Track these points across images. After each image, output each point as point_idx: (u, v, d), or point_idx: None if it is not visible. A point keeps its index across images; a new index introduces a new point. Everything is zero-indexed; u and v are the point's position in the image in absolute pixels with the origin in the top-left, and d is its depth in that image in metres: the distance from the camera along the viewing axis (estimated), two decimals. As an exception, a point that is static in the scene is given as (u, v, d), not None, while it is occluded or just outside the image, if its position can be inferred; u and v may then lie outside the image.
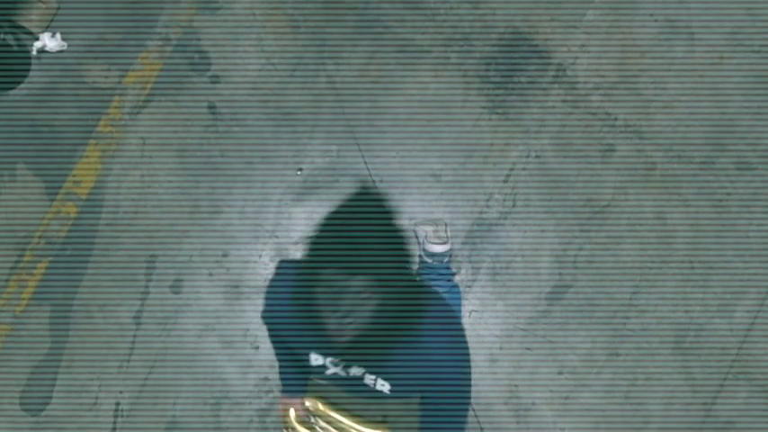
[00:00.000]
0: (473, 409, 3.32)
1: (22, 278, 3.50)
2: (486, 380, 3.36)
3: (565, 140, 3.64)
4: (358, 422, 2.50)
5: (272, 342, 2.43)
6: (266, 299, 2.19)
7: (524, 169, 3.60)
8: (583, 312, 3.45)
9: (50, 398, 3.37)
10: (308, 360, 2.11)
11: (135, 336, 3.42)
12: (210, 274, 3.49)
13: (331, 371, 2.11)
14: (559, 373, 3.38)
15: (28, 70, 3.79)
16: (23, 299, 3.48)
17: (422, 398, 2.13)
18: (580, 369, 3.39)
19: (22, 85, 3.77)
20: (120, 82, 3.75)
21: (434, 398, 2.11)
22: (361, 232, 1.66)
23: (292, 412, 2.53)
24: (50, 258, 3.52)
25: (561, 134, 3.65)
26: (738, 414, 3.35)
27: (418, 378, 2.01)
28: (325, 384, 2.31)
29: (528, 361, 3.40)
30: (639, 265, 3.50)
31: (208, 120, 3.69)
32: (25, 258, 3.52)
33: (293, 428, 2.55)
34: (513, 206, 3.56)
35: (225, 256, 3.51)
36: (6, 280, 3.50)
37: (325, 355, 2.08)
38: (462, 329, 2.07)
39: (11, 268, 3.51)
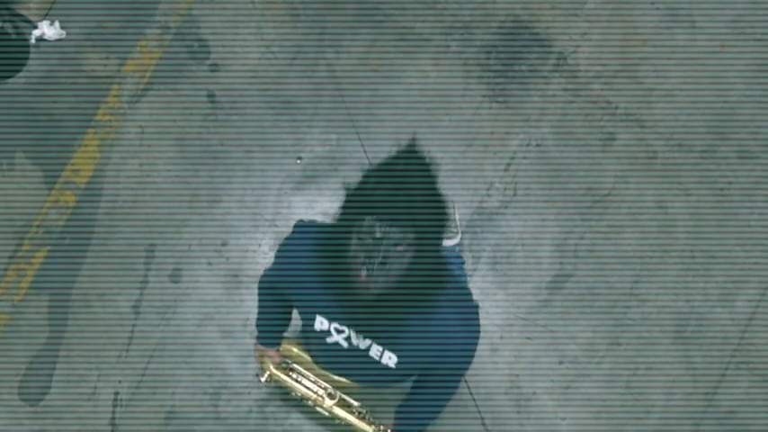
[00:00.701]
0: (473, 399, 3.21)
1: (21, 267, 3.38)
2: (486, 369, 3.25)
3: (566, 129, 3.53)
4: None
5: (263, 297, 2.42)
6: (279, 257, 2.15)
7: (525, 158, 3.49)
8: (584, 302, 3.34)
9: (49, 387, 3.26)
10: (312, 323, 2.07)
11: (134, 325, 3.30)
12: (210, 264, 3.37)
13: (333, 339, 2.08)
14: (560, 362, 3.27)
15: (26, 59, 3.67)
16: (22, 288, 3.36)
17: (420, 374, 2.16)
18: (581, 358, 3.28)
19: (20, 74, 3.66)
20: (118, 70, 3.64)
21: (434, 374, 2.14)
22: (405, 186, 1.67)
23: (269, 361, 2.54)
24: (49, 247, 3.40)
25: (562, 123, 3.54)
26: (740, 403, 3.25)
27: (427, 353, 2.00)
28: (320, 353, 2.32)
29: (529, 350, 3.29)
30: (640, 254, 3.39)
31: (207, 108, 3.57)
32: (24, 247, 3.41)
33: (270, 373, 2.55)
34: (514, 195, 3.45)
35: (224, 245, 3.40)
36: (5, 269, 3.38)
37: (332, 320, 2.04)
38: (477, 311, 2.05)
39: (9, 257, 3.40)
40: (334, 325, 2.05)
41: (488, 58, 3.62)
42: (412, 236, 1.69)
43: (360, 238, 1.71)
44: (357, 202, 1.73)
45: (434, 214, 1.74)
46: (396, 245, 1.69)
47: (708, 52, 3.63)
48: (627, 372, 3.27)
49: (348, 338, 2.06)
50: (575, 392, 3.25)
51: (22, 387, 3.26)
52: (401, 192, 1.67)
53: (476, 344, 2.08)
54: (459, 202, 3.41)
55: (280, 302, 2.38)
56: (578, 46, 3.64)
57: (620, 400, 3.24)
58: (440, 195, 1.76)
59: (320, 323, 2.06)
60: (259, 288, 2.43)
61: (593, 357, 3.28)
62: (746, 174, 3.48)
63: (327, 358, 2.35)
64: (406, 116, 3.53)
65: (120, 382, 3.25)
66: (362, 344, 2.05)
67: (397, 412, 2.42)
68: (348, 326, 2.03)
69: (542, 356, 3.28)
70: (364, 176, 1.76)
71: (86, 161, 3.51)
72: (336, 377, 2.46)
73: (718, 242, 3.40)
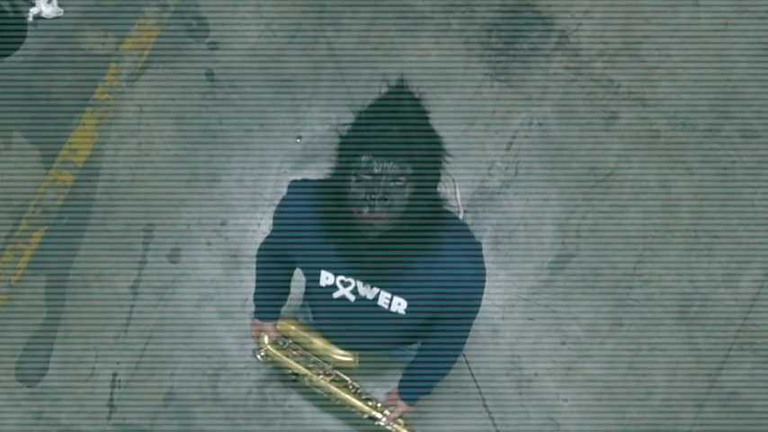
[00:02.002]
0: (475, 380, 3.01)
1: (18, 247, 3.17)
2: (488, 350, 3.05)
3: (568, 108, 3.31)
4: (328, 344, 2.37)
5: (261, 267, 2.30)
6: (279, 218, 2.02)
7: (527, 137, 3.27)
8: (586, 282, 3.13)
9: (46, 369, 3.05)
10: (317, 280, 1.97)
11: (132, 306, 3.09)
12: (209, 244, 3.16)
13: (339, 293, 1.98)
14: (562, 343, 3.06)
15: (24, 37, 3.45)
16: (19, 268, 3.14)
17: (431, 319, 2.05)
18: (583, 339, 3.07)
19: (17, 52, 3.43)
20: (117, 49, 3.41)
21: (445, 319, 2.05)
22: (399, 121, 1.63)
23: (266, 337, 2.42)
24: (46, 227, 3.18)
25: (564, 101, 3.32)
26: (743, 385, 3.04)
27: (436, 294, 1.91)
28: (327, 313, 2.22)
29: (530, 331, 3.08)
30: (643, 234, 3.18)
31: (206, 87, 3.34)
32: (21, 227, 3.19)
33: (266, 351, 2.43)
34: (516, 174, 3.23)
35: (223, 224, 3.18)
36: (2, 249, 3.17)
37: (337, 273, 1.94)
38: (480, 249, 1.93)
39: (6, 237, 3.18)
40: (340, 278, 1.95)
41: (490, 37, 3.39)
42: (410, 169, 1.65)
43: (358, 178, 1.67)
44: (352, 143, 1.68)
45: (430, 146, 1.69)
46: (395, 179, 1.65)
47: (711, 30, 3.40)
48: (629, 353, 3.06)
49: (355, 290, 1.96)
50: (577, 373, 3.04)
51: (20, 368, 3.05)
52: (395, 126, 1.63)
53: (483, 281, 1.97)
54: (461, 182, 3.19)
55: (278, 272, 2.28)
56: (580, 24, 3.41)
57: (623, 381, 3.04)
58: (433, 128, 1.71)
59: (325, 278, 1.96)
60: (258, 258, 2.30)
61: (595, 338, 3.07)
62: (750, 153, 3.26)
63: (334, 317, 2.20)
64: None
65: (118, 363, 3.04)
66: (370, 293, 1.95)
67: (405, 371, 2.31)
68: (354, 276, 1.93)
69: (544, 337, 3.08)
70: (356, 116, 1.70)
71: (84, 140, 3.28)
72: (335, 355, 2.37)
73: (721, 222, 3.19)
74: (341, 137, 1.73)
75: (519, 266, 3.13)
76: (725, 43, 3.39)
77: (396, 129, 1.63)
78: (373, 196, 1.65)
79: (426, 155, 1.67)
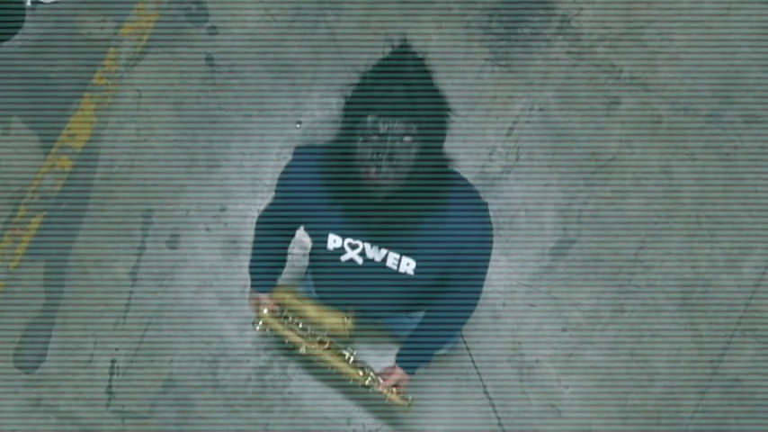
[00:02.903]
0: (475, 367, 2.87)
1: (17, 233, 3.02)
2: (489, 337, 2.91)
3: (569, 93, 3.16)
4: (321, 311, 2.28)
5: (261, 236, 2.23)
6: (284, 184, 1.94)
7: (528, 122, 3.12)
8: (587, 268, 2.98)
9: (45, 355, 2.91)
10: (324, 244, 1.92)
11: (131, 292, 2.95)
12: (208, 229, 3.01)
13: (347, 256, 1.93)
14: (563, 329, 2.92)
15: (22, 21, 3.29)
16: (17, 254, 3.00)
17: (439, 280, 2.00)
18: (584, 326, 2.93)
19: (16, 37, 3.28)
20: (115, 33, 3.25)
21: (455, 276, 1.98)
22: (403, 80, 1.59)
23: (265, 309, 2.35)
24: (45, 213, 3.04)
25: (565, 86, 3.17)
26: (745, 371, 2.90)
27: (444, 252, 1.86)
28: (334, 278, 2.16)
29: (531, 318, 2.94)
30: (645, 219, 3.03)
31: (205, 72, 3.19)
32: (19, 213, 3.04)
33: (265, 322, 2.36)
34: (517, 160, 3.08)
35: (223, 210, 3.03)
36: (0, 235, 3.01)
37: (345, 236, 1.89)
38: (487, 207, 1.89)
39: (5, 223, 3.03)
40: (348, 240, 1.90)
41: (491, 21, 3.24)
42: (415, 127, 1.61)
43: (365, 138, 1.63)
44: (357, 104, 1.63)
45: (435, 104, 1.65)
46: (401, 138, 1.61)
47: (714, 15, 3.25)
48: (631, 339, 2.92)
49: (363, 253, 1.91)
50: (578, 360, 2.90)
51: (18, 355, 2.91)
52: (399, 85, 1.58)
53: (491, 239, 1.93)
54: (461, 167, 3.02)
55: (277, 242, 2.22)
56: (582, 8, 3.26)
57: (625, 367, 2.90)
58: (437, 88, 1.67)
59: (333, 241, 1.91)
60: (258, 227, 2.23)
61: (596, 324, 2.93)
62: (753, 138, 3.11)
63: (342, 282, 2.13)
64: (408, 79, 3.14)
65: (116, 349, 2.90)
66: (378, 255, 1.90)
67: (406, 339, 2.24)
68: (362, 238, 1.89)
69: (545, 324, 2.93)
70: (360, 78, 1.65)
71: (83, 125, 3.13)
72: (328, 322, 2.29)
73: (723, 208, 3.04)
74: (345, 98, 1.68)
75: (520, 252, 2.99)
76: (727, 28, 3.23)
77: (400, 88, 1.58)
78: (380, 156, 1.62)
79: (431, 114, 1.63)
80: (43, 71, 3.20)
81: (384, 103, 1.59)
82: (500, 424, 2.83)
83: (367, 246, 1.89)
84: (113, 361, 2.89)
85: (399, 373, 2.24)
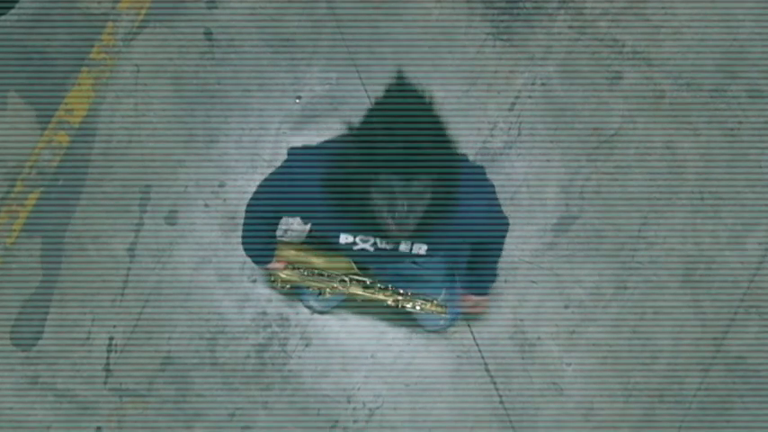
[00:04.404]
0: (477, 344, 2.66)
1: (13, 209, 2.79)
2: (490, 314, 2.69)
3: (571, 68, 2.92)
4: (329, 259, 2.26)
5: (255, 220, 2.09)
6: (283, 185, 1.83)
7: (530, 97, 2.88)
8: (590, 244, 2.76)
9: (42, 332, 2.69)
10: (336, 240, 1.89)
11: (129, 269, 2.72)
12: (206, 205, 2.78)
13: (359, 246, 1.90)
14: (565, 306, 2.70)
15: (19, -5, 3.02)
16: (14, 230, 2.77)
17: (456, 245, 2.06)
18: (587, 303, 2.71)
19: (12, 11, 3.01)
20: (113, 7, 2.99)
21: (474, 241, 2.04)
22: (412, 133, 1.41)
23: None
24: (42, 189, 2.80)
25: (567, 61, 2.92)
26: (749, 349, 2.69)
27: (455, 234, 1.84)
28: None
29: (533, 295, 2.72)
30: (648, 195, 2.80)
31: (204, 46, 2.94)
32: (16, 189, 2.81)
33: (284, 281, 2.34)
34: (518, 135, 2.85)
35: (221, 186, 2.80)
36: (-3, 211, 2.80)
37: (356, 234, 1.87)
38: (494, 188, 1.88)
39: (1, 199, 2.81)
40: (360, 237, 1.87)
41: (492, -5, 2.99)
42: (431, 182, 1.48)
43: (382, 193, 1.49)
44: (370, 158, 1.45)
45: (446, 151, 1.49)
46: (417, 193, 1.48)
47: (718, -12, 2.99)
48: (634, 316, 2.70)
49: (374, 244, 1.89)
50: (580, 337, 2.69)
51: (15, 332, 2.69)
52: (413, 145, 1.41)
53: (503, 217, 2.00)
54: (462, 143, 2.78)
55: (273, 223, 2.13)
56: (584, -18, 3.01)
57: (627, 345, 2.69)
58: (444, 129, 1.49)
59: (345, 238, 1.88)
60: (250, 214, 2.09)
61: (599, 302, 2.71)
62: (757, 113, 2.88)
63: (355, 260, 2.20)
64: (408, 54, 2.91)
65: (114, 326, 2.68)
66: (390, 244, 1.88)
67: (465, 272, 2.28)
68: (373, 235, 1.85)
69: (547, 301, 2.72)
70: (369, 130, 1.47)
71: (80, 100, 2.89)
72: (336, 265, 2.28)
73: (727, 184, 2.81)
74: (355, 155, 1.49)
75: (521, 228, 2.75)
76: (731, 1, 2.98)
77: (414, 147, 1.41)
78: (397, 211, 1.51)
79: (446, 161, 1.49)
80: (40, 46, 2.95)
81: (395, 164, 1.43)
82: (501, 402, 2.62)
83: (379, 240, 1.86)
84: (111, 338, 2.68)
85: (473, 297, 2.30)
